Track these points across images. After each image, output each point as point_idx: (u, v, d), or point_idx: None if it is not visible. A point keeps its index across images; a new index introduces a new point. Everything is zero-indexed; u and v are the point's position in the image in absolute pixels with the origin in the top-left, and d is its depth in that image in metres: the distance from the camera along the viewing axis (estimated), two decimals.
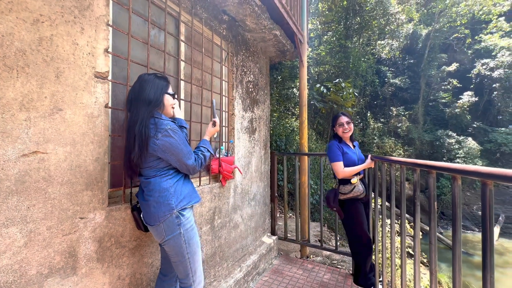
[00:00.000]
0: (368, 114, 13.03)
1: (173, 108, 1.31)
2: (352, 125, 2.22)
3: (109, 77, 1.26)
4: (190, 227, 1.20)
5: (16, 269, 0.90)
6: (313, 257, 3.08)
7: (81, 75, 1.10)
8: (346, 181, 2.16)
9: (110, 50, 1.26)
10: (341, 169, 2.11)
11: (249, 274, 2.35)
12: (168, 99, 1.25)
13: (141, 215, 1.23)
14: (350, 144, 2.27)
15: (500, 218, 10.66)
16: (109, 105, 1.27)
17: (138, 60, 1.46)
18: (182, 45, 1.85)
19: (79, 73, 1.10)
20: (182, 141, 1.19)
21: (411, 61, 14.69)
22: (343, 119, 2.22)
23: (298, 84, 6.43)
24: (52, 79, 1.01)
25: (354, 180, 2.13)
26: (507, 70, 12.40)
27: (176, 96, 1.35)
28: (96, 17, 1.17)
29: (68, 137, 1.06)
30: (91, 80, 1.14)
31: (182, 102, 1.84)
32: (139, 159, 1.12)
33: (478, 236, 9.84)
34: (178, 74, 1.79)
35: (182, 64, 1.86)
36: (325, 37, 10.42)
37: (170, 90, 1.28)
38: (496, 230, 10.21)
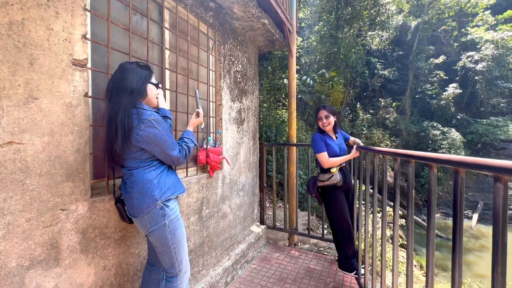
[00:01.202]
0: (358, 105, 13.19)
1: (157, 98, 1.29)
2: (331, 119, 2.20)
3: (89, 65, 1.21)
4: (175, 218, 1.20)
5: None
6: (301, 244, 3.17)
7: (57, 62, 1.06)
8: (326, 170, 2.21)
9: (88, 36, 1.21)
10: (326, 159, 2.15)
11: (237, 262, 2.40)
12: (151, 89, 1.22)
13: (125, 207, 1.22)
14: (333, 136, 2.30)
15: (479, 206, 11.22)
16: (89, 94, 1.23)
17: (120, 48, 1.41)
18: (167, 32, 1.80)
19: (55, 60, 1.05)
20: (166, 132, 1.17)
21: (400, 52, 14.84)
22: (322, 113, 2.21)
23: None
24: (26, 66, 0.96)
25: (334, 169, 2.18)
26: (490, 62, 12.74)
27: (160, 86, 1.32)
28: (72, 1, 1.11)
29: (46, 127, 1.02)
30: (69, 68, 1.10)
31: (168, 92, 1.80)
32: (122, 150, 1.10)
33: None
34: (162, 62, 1.75)
35: (167, 52, 1.81)
36: (316, 27, 10.34)
37: (153, 80, 1.25)
38: (475, 216, 10.77)
